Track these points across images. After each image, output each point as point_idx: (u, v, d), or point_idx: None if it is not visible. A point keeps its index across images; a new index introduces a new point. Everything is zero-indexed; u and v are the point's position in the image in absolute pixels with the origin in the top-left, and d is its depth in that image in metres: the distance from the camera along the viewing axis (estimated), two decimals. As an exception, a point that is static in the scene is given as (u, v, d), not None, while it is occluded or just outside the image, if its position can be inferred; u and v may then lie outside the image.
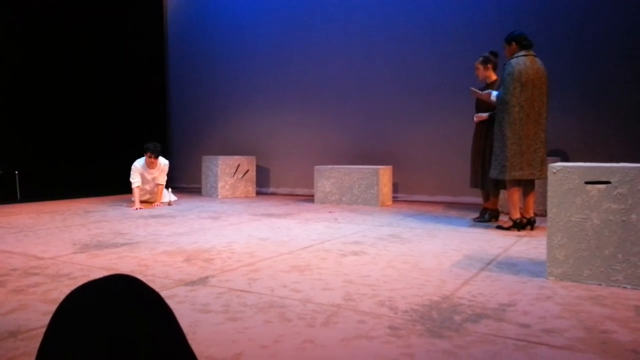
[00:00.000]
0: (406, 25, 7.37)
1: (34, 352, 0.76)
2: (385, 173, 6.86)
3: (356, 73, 7.79)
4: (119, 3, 8.87)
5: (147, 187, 6.54)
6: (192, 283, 2.74)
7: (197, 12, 9.48)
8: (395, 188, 7.38)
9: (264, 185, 8.67)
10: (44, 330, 0.74)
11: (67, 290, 0.74)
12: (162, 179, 6.56)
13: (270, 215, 5.71)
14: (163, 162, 6.50)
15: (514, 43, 4.44)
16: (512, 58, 4.36)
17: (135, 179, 6.32)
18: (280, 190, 8.56)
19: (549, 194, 2.85)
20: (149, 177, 6.45)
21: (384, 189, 6.81)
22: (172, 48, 9.86)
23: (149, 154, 6.27)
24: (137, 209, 6.13)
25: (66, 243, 3.93)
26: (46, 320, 1.16)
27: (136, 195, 6.29)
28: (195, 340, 1.90)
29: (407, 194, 7.42)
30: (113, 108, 8.72)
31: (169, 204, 6.62)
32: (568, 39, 6.24)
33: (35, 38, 7.70)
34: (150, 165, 6.36)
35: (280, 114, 8.52)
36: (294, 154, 8.38)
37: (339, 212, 5.97)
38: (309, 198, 7.60)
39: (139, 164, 6.36)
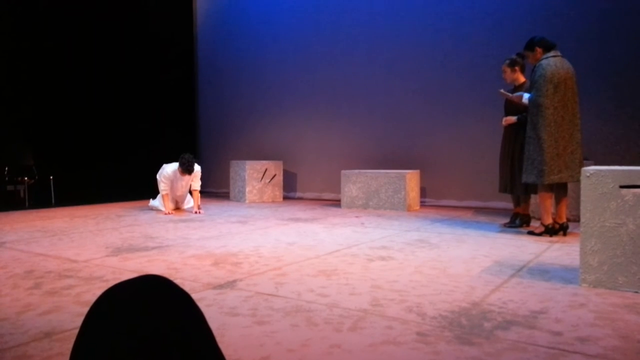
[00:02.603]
0: (433, 29, 7.32)
1: (68, 352, 0.78)
2: (412, 177, 6.80)
3: (383, 77, 7.77)
4: (149, 12, 9.07)
5: (177, 193, 6.52)
6: (220, 286, 2.76)
7: (226, 19, 9.62)
8: (423, 193, 7.31)
9: (291, 190, 8.71)
10: (77, 331, 0.76)
11: (99, 293, 0.76)
12: (198, 184, 6.50)
13: (297, 219, 5.72)
14: (195, 168, 6.41)
15: (537, 47, 4.36)
16: (542, 60, 4.28)
17: (165, 187, 6.29)
18: (307, 194, 8.59)
19: (582, 198, 2.78)
20: (178, 183, 6.41)
21: (412, 194, 6.76)
22: (201, 55, 10.03)
23: (181, 169, 6.17)
24: (167, 213, 6.20)
25: (99, 246, 4.02)
26: (79, 321, 1.20)
27: (166, 200, 6.32)
28: (223, 342, 1.91)
29: (434, 198, 7.34)
30: (144, 115, 8.91)
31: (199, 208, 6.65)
32: (595, 40, 6.10)
33: (68, 47, 7.94)
34: (182, 174, 6.31)
35: (307, 119, 8.55)
36: (321, 158, 8.39)
37: (366, 217, 5.94)
38: (336, 203, 7.59)
39: (170, 170, 6.29)
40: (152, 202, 6.68)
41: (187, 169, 6.17)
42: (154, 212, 6.38)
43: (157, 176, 6.44)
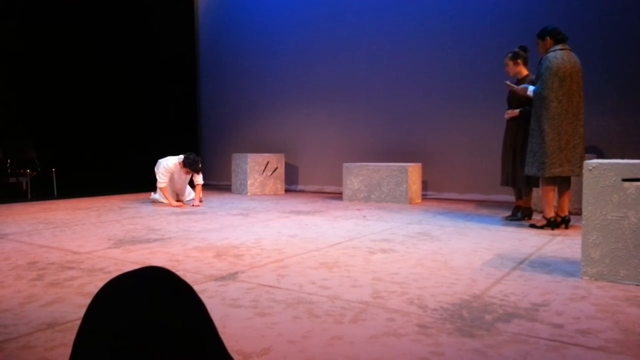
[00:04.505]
0: (435, 22, 7.29)
1: (71, 343, 0.78)
2: (414, 170, 6.80)
3: (385, 70, 7.74)
4: (151, 6, 9.04)
5: (177, 186, 6.47)
6: (222, 278, 2.77)
7: (227, 13, 9.58)
8: (425, 186, 7.31)
9: (292, 183, 8.71)
10: (79, 322, 0.76)
11: (102, 284, 0.77)
12: (201, 179, 6.45)
13: (299, 212, 5.73)
14: None
15: (548, 38, 4.33)
16: (549, 52, 4.26)
17: (165, 179, 6.20)
18: (309, 187, 8.59)
19: (584, 191, 2.78)
20: (179, 178, 6.37)
21: (413, 187, 6.75)
22: (203, 48, 10.00)
23: (187, 169, 6.15)
24: (176, 205, 6.13)
25: (101, 238, 4.03)
26: (82, 312, 1.21)
27: (166, 192, 6.25)
28: (225, 334, 1.92)
29: (436, 191, 7.34)
30: (146, 107, 8.90)
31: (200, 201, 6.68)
32: (602, 33, 6.06)
33: (70, 41, 7.92)
34: (187, 173, 6.26)
35: (308, 111, 8.54)
36: (323, 151, 8.38)
37: (368, 210, 5.95)
38: (338, 195, 7.59)
39: (171, 163, 6.23)
40: (154, 196, 6.67)
41: (194, 169, 6.18)
42: (156, 205, 6.39)
43: (155, 169, 6.37)
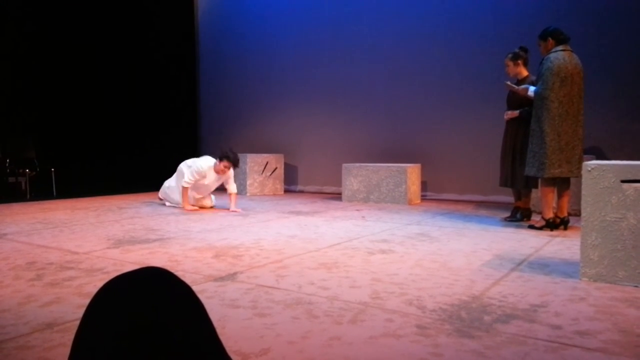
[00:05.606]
0: (434, 23, 7.29)
1: (70, 343, 0.78)
2: (413, 171, 6.80)
3: (384, 71, 7.75)
4: (151, 6, 9.04)
5: (198, 192, 6.02)
6: (221, 279, 2.77)
7: (227, 13, 9.58)
8: (424, 186, 7.31)
9: (292, 183, 8.71)
10: (78, 322, 0.76)
11: (101, 284, 0.76)
12: (235, 187, 6.03)
13: (298, 212, 5.73)
14: (231, 169, 5.90)
15: (550, 38, 4.33)
16: (551, 53, 4.26)
17: (192, 180, 5.74)
18: (308, 188, 8.59)
19: (583, 192, 2.78)
20: (207, 182, 5.88)
21: (412, 187, 6.76)
22: (203, 49, 9.99)
23: (225, 162, 5.68)
24: (190, 210, 5.80)
25: (100, 238, 4.03)
26: (81, 313, 1.21)
27: (186, 194, 5.85)
28: (224, 334, 1.92)
29: (435, 192, 7.34)
30: (145, 107, 8.90)
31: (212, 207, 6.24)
32: (602, 34, 6.06)
33: (70, 41, 7.92)
34: (220, 172, 5.80)
35: (308, 112, 8.54)
36: (322, 152, 8.39)
37: (367, 210, 5.95)
38: (337, 196, 7.59)
39: (206, 165, 5.77)
40: (168, 202, 6.19)
41: (235, 163, 5.72)
42: (155, 204, 6.34)
43: (182, 165, 5.99)
